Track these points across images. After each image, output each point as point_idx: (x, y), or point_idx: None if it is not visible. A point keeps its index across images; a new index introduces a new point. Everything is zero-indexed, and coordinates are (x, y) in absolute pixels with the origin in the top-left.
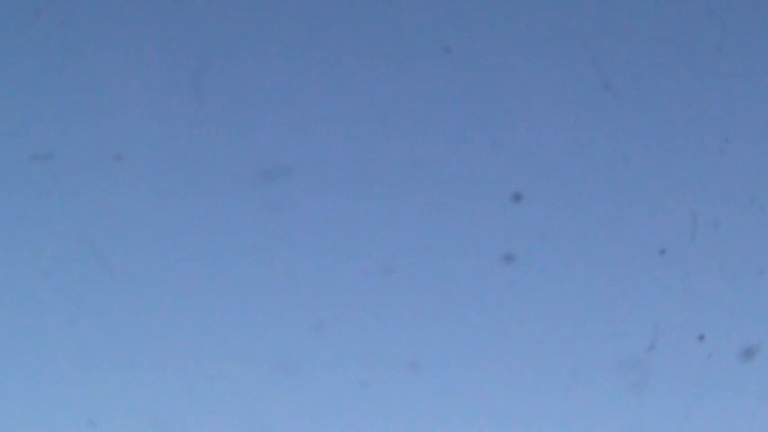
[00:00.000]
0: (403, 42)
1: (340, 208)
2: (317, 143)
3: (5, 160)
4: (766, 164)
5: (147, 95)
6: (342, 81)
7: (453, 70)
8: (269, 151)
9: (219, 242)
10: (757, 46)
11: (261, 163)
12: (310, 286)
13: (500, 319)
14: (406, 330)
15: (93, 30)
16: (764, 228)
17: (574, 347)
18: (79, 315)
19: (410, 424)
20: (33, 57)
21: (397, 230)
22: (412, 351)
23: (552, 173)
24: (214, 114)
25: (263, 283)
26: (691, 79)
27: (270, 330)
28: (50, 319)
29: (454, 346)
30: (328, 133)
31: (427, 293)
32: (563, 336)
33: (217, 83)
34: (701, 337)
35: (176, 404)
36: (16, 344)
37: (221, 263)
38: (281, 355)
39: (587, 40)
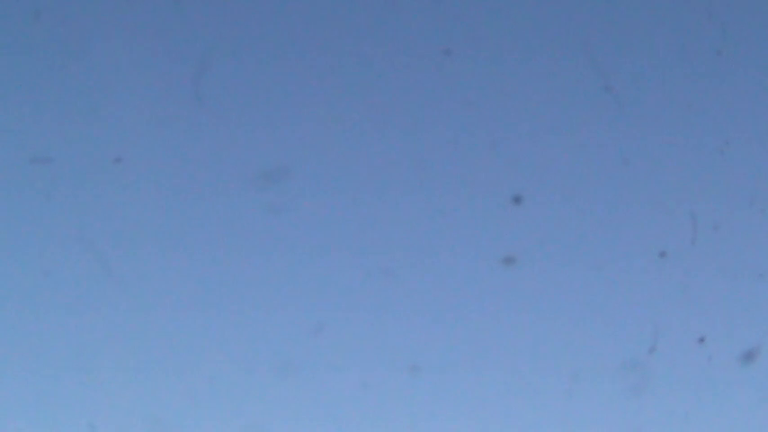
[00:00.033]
0: (403, 44)
1: (340, 210)
2: (317, 145)
3: (5, 163)
4: (766, 166)
5: (146, 98)
6: (342, 83)
7: (453, 72)
8: (269, 153)
9: (220, 244)
10: (757, 49)
11: (261, 165)
12: (311, 288)
13: (500, 321)
14: (406, 332)
15: (92, 32)
16: (764, 230)
17: (574, 350)
18: (79, 317)
19: (410, 426)
20: (33, 59)
21: (398, 233)
22: (412, 353)
23: (552, 175)
24: (214, 116)
25: (263, 285)
26: (691, 82)
27: (270, 332)
28: (50, 322)
29: (454, 348)
30: (328, 135)
31: (427, 296)
32: (563, 338)
33: (217, 85)
34: (702, 340)
35: (177, 406)
36: (16, 346)
37: (221, 265)
38: (281, 357)
39: (587, 42)
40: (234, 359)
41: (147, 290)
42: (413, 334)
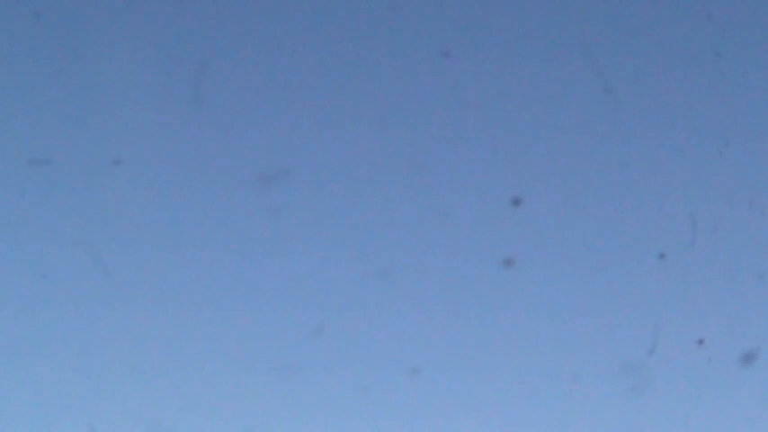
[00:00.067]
0: (402, 46)
1: (340, 212)
2: (316, 147)
3: (4, 164)
4: (765, 168)
5: (146, 99)
6: (341, 85)
7: (452, 74)
8: (268, 155)
9: (219, 246)
10: (756, 51)
11: (260, 167)
12: (310, 290)
13: (500, 323)
14: (405, 334)
15: (92, 34)
16: (764, 231)
17: (574, 351)
18: (78, 319)
19: (410, 428)
20: (33, 60)
21: (397, 235)
22: (411, 355)
23: (551, 177)
24: (213, 118)
25: (263, 287)
26: (690, 83)
27: (270, 334)
28: (49, 323)
29: (454, 350)
30: (328, 137)
31: (427, 297)
32: (563, 340)
33: (216, 87)
34: (701, 342)
35: (176, 408)
36: (16, 348)
37: (221, 267)
38: (280, 359)
39: (587, 44)
40: (233, 361)
41: (146, 291)
42: (412, 336)
